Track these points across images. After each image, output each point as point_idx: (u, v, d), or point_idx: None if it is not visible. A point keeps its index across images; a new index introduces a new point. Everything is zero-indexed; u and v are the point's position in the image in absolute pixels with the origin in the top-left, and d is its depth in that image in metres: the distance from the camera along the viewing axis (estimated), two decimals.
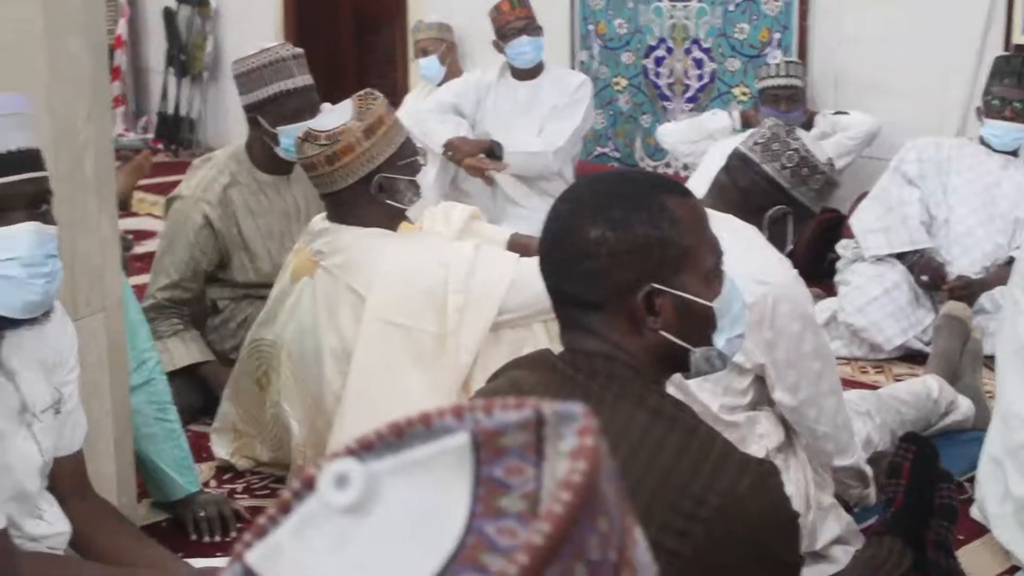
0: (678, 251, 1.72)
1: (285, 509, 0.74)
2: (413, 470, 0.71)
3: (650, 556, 0.76)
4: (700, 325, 1.77)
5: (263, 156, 4.23)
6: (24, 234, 2.16)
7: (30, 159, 2.19)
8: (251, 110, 4.17)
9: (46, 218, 2.21)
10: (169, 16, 9.40)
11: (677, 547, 1.56)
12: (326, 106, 3.88)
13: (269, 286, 3.82)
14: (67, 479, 2.41)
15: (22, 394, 2.30)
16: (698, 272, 1.75)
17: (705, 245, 1.78)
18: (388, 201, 3.50)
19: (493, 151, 5.69)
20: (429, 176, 5.01)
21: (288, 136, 3.96)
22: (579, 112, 5.82)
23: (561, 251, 1.74)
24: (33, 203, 2.19)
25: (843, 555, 3.00)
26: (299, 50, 4.25)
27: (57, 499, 2.40)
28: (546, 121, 5.82)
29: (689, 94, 6.65)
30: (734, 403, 2.96)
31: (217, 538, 3.32)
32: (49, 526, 2.35)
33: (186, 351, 4.12)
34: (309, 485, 0.73)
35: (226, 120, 8.73)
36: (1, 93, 2.18)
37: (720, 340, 1.81)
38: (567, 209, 1.76)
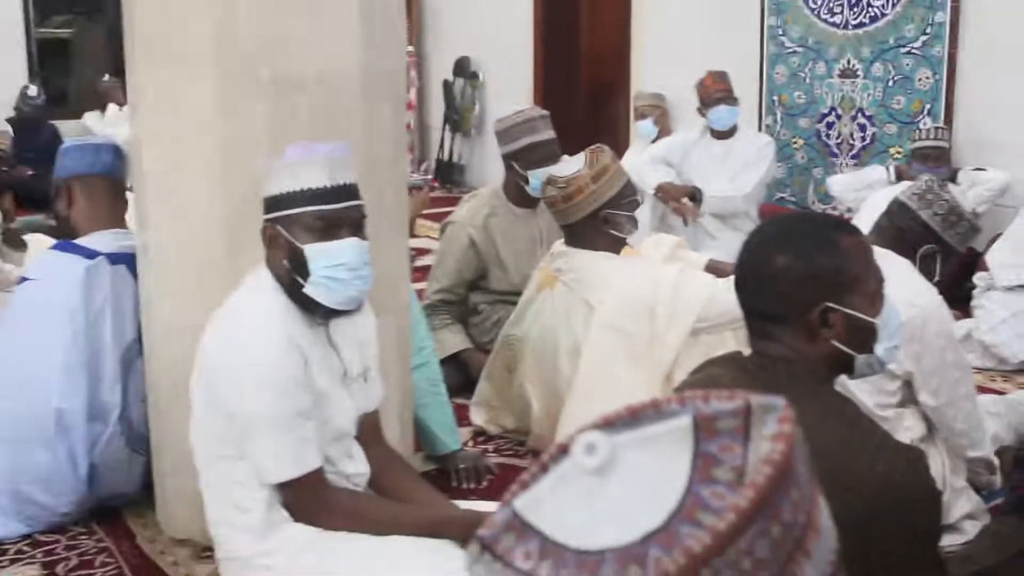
0: (848, 277, 1.69)
1: (544, 468, 0.75)
2: (646, 443, 0.72)
3: (831, 522, 0.75)
4: (864, 337, 1.73)
5: (516, 194, 4.27)
6: (349, 247, 2.25)
7: (353, 191, 2.28)
8: (507, 158, 4.23)
9: (362, 235, 2.30)
10: (447, 86, 9.59)
11: (843, 517, 1.52)
12: (565, 157, 3.91)
13: (518, 294, 3.85)
14: (368, 431, 2.47)
15: (343, 363, 2.38)
16: (864, 294, 1.71)
17: (870, 273, 1.74)
18: (612, 231, 3.51)
19: (694, 195, 5.65)
20: (644, 213, 4.99)
21: (535, 178, 3.99)
22: (764, 166, 5.73)
23: (754, 275, 1.72)
24: (354, 224, 2.28)
25: (972, 528, 2.88)
26: (545, 112, 4.29)
27: (361, 446, 2.48)
28: (737, 172, 5.74)
29: (853, 152, 6.47)
30: (885, 401, 2.89)
31: (472, 486, 3.37)
32: (357, 465, 2.41)
33: (452, 341, 4.20)
34: (564, 451, 0.74)
35: (488, 166, 8.85)
36: (333, 142, 2.28)
37: (880, 349, 1.76)
38: (760, 242, 1.74)
